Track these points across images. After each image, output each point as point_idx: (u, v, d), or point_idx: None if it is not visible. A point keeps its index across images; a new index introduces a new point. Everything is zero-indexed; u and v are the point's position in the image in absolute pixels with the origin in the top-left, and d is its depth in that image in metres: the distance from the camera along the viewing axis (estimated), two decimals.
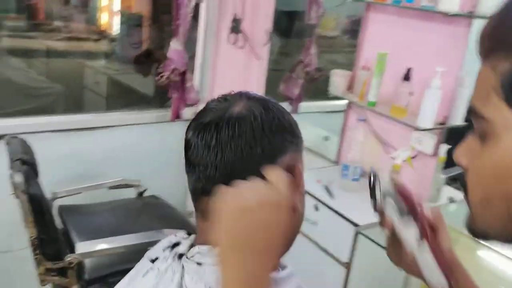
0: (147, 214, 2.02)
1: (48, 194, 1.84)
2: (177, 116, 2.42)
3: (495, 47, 0.42)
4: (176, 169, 2.54)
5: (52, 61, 4.17)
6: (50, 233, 1.51)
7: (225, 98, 0.67)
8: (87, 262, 1.64)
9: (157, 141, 2.46)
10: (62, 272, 1.56)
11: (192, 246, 0.67)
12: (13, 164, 1.46)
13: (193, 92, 2.39)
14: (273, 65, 2.50)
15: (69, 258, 1.53)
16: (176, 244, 0.70)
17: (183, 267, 0.65)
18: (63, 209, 1.92)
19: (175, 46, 2.27)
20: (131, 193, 2.12)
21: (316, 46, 2.25)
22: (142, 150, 2.41)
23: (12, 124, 2.02)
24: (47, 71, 3.92)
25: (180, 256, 0.67)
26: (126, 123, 2.35)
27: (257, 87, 2.47)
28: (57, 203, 1.92)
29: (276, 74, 2.46)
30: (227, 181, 0.59)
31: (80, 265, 1.62)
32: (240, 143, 0.60)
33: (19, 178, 1.40)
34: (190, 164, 0.64)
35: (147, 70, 2.84)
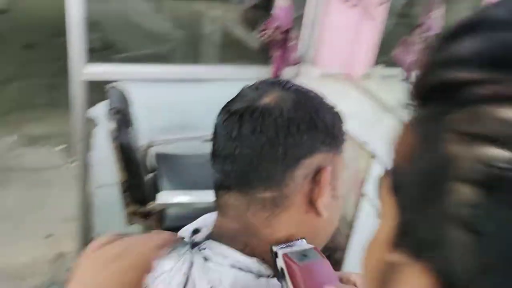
0: None
1: (145, 141, 1.98)
2: (277, 75, 2.37)
3: None
4: None
5: (178, 5, 4.36)
6: (136, 180, 1.63)
7: (257, 87, 0.62)
8: (172, 210, 1.75)
9: None
10: (146, 216, 1.69)
11: (208, 237, 0.65)
12: (109, 112, 1.57)
13: (295, 52, 2.31)
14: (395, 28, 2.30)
15: (151, 205, 1.65)
16: (196, 231, 0.69)
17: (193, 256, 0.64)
18: (160, 156, 2.04)
19: (281, 2, 2.18)
20: None
21: (443, 7, 1.99)
22: None
23: (123, 71, 2.16)
24: (171, 17, 4.12)
25: (194, 244, 0.66)
26: (227, 77, 2.36)
27: (366, 50, 2.29)
28: (155, 150, 2.05)
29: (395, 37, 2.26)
30: (243, 179, 0.56)
31: (163, 212, 1.74)
32: (261, 139, 0.56)
33: (111, 126, 1.51)
34: (213, 153, 0.61)
35: (253, 25, 2.81)
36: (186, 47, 3.49)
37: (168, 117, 2.30)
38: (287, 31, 2.24)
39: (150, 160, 2.00)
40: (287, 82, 0.62)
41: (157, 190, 1.81)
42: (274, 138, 0.56)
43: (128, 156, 1.55)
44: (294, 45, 2.29)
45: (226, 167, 0.59)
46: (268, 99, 0.58)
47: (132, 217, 1.68)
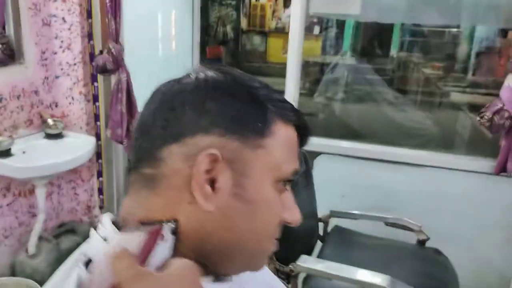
0: (414, 264, 1.79)
1: (326, 211, 1.98)
2: (503, 169, 1.96)
3: None
4: (479, 233, 2.09)
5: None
6: (283, 237, 1.64)
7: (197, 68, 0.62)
8: (316, 279, 1.66)
9: (466, 192, 2.10)
10: (288, 277, 1.66)
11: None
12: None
13: None
14: None
15: (290, 266, 1.61)
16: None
17: None
18: (337, 228, 2.00)
19: (508, 83, 1.86)
20: (410, 238, 1.92)
21: None
22: (443, 197, 2.12)
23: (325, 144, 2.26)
24: (433, 115, 3.99)
25: None
26: (439, 164, 2.12)
27: None
28: (334, 221, 2.02)
29: None
30: (135, 153, 0.57)
31: (305, 278, 1.66)
32: (146, 112, 0.57)
33: None
34: None
35: None
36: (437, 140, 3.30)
37: (360, 194, 2.22)
38: None
39: (326, 229, 1.98)
40: (222, 65, 0.60)
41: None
42: (156, 112, 0.55)
43: None
44: None
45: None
46: (183, 78, 0.57)
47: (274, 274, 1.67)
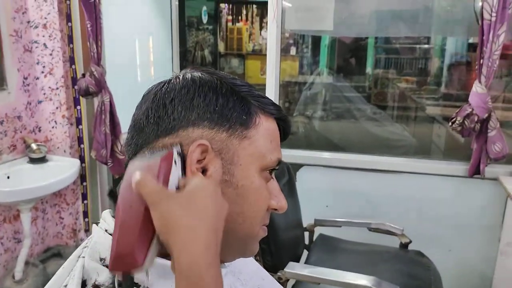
0: (398, 265, 1.83)
1: (311, 220, 2.03)
2: (475, 172, 2.04)
3: None
4: (459, 234, 2.16)
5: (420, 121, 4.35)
6: (269, 245, 1.68)
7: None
8: (305, 285, 1.69)
9: (444, 195, 2.17)
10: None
11: None
12: None
13: (499, 144, 1.96)
14: None
15: (279, 273, 1.64)
16: None
17: None
18: (322, 236, 2.05)
19: (476, 89, 1.96)
20: (393, 242, 1.98)
21: None
22: (422, 201, 2.19)
23: (305, 155, 2.33)
24: (410, 127, 4.12)
25: None
26: (417, 170, 2.20)
27: None
28: (319, 230, 2.06)
29: None
30: (131, 146, 0.61)
31: (294, 285, 1.69)
32: (141, 110, 0.61)
33: None
34: None
35: None
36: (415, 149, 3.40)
37: (343, 203, 2.28)
38: (485, 120, 1.97)
39: (312, 237, 2.02)
40: (207, 68, 0.65)
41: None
42: (148, 110, 0.59)
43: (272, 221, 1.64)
44: (495, 136, 1.97)
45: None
46: (172, 79, 0.62)
47: None
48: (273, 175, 0.65)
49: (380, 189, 2.24)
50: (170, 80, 0.62)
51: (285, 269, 1.63)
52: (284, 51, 6.87)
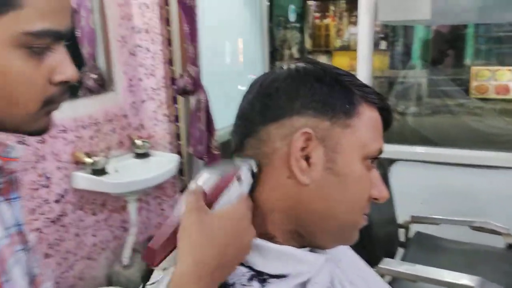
0: (504, 266, 1.71)
1: (404, 216, 1.97)
2: None
3: None
4: None
5: None
6: (363, 239, 1.65)
7: None
8: (400, 282, 1.65)
9: None
10: None
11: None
12: None
13: None
14: None
15: (374, 269, 1.61)
16: None
17: None
18: (419, 235, 1.97)
19: None
20: (497, 242, 1.85)
21: None
22: None
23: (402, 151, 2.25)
24: None
25: None
26: None
27: None
28: (415, 227, 1.99)
29: None
30: (238, 138, 0.65)
31: (389, 283, 1.65)
32: (245, 100, 0.65)
33: None
34: None
35: None
36: None
37: (440, 199, 2.17)
38: None
39: (407, 234, 1.96)
40: (309, 59, 0.67)
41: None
42: (254, 100, 0.62)
43: None
44: None
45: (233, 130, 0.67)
46: (277, 70, 0.64)
47: None
48: (374, 164, 0.66)
49: (480, 185, 2.10)
50: (274, 71, 0.64)
51: (380, 265, 1.60)
52: (374, 45, 6.68)
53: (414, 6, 1.96)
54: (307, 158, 0.59)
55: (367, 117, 0.62)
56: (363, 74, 2.14)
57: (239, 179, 0.58)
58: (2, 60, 0.51)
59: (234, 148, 0.66)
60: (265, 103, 0.61)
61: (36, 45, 0.53)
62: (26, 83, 0.54)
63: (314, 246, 0.66)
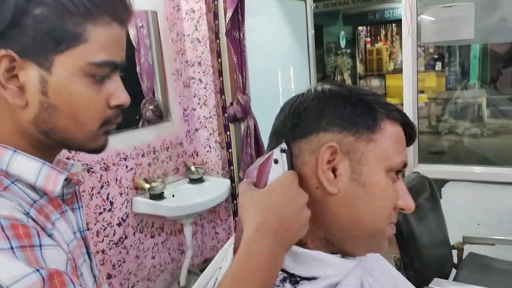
0: None
1: (460, 238, 1.93)
2: None
3: None
4: None
5: None
6: (412, 260, 1.65)
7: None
8: None
9: None
10: None
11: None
12: None
13: None
14: None
15: None
16: None
17: None
18: (472, 256, 1.92)
19: None
20: None
21: None
22: None
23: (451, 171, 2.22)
24: None
25: None
26: None
27: None
28: (469, 248, 1.94)
29: None
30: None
31: None
32: (279, 118, 0.72)
33: None
34: None
35: None
36: None
37: (496, 220, 2.10)
38: None
39: (461, 256, 1.91)
40: (336, 81, 0.75)
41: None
42: (286, 119, 0.69)
43: (400, 234, 1.62)
44: None
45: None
46: (305, 92, 0.72)
47: None
48: (399, 176, 0.70)
49: None
50: (303, 93, 0.72)
51: (430, 285, 1.59)
52: (430, 67, 6.57)
53: (457, 27, 1.96)
54: (334, 170, 0.65)
55: (390, 132, 0.67)
56: (409, 95, 2.16)
57: (276, 161, 0.65)
58: (73, 86, 0.60)
59: None
60: (295, 122, 0.68)
61: (98, 73, 0.62)
62: (90, 105, 0.62)
63: (344, 253, 0.71)
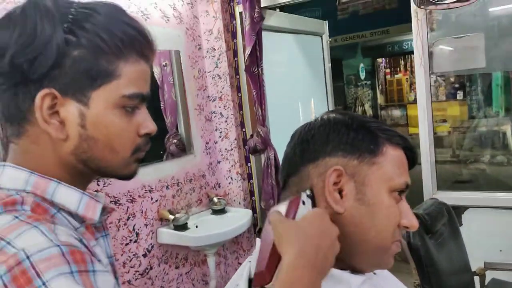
0: None
1: (480, 264, 1.92)
2: None
3: None
4: None
5: None
6: (433, 286, 1.65)
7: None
8: None
9: None
10: None
11: None
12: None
13: None
14: None
15: None
16: None
17: None
18: (494, 282, 1.90)
19: None
20: None
21: None
22: None
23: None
24: None
25: None
26: None
27: None
28: (491, 274, 1.93)
29: None
30: (284, 177, 0.80)
31: None
32: (289, 146, 0.80)
33: None
34: None
35: None
36: None
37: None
38: None
39: (483, 282, 1.90)
40: (342, 110, 0.83)
41: None
42: (295, 146, 0.76)
43: (418, 260, 1.64)
44: None
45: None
46: (313, 120, 0.79)
47: None
48: (402, 196, 0.76)
49: None
50: (311, 121, 0.79)
51: None
52: (451, 96, 6.56)
53: (468, 57, 2.02)
54: (340, 191, 0.72)
55: (391, 156, 0.73)
56: (424, 124, 2.20)
57: (303, 203, 0.71)
58: (108, 117, 0.66)
59: (282, 184, 0.80)
60: (304, 148, 0.75)
61: (128, 105, 0.67)
62: (123, 135, 0.68)
63: (353, 268, 0.76)
